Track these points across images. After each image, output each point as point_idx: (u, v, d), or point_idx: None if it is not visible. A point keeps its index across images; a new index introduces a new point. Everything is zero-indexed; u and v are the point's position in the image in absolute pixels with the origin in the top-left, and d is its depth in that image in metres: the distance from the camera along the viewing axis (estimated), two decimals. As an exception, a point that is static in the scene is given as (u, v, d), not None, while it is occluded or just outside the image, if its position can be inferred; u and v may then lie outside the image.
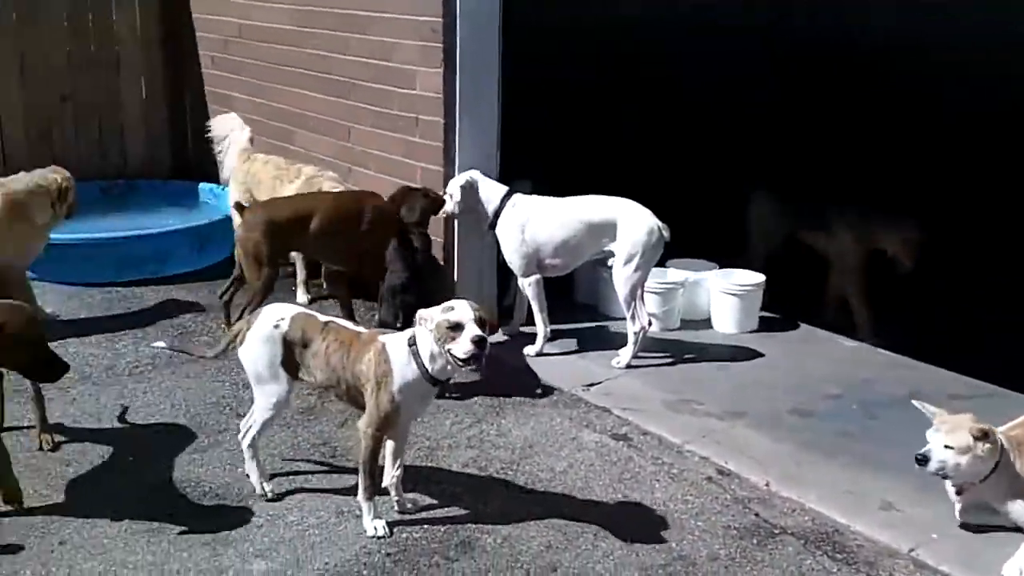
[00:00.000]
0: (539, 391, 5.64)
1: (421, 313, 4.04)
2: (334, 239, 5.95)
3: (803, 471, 4.83)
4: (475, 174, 6.01)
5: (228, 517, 4.33)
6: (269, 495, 4.45)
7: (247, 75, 8.03)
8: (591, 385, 5.72)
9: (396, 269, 5.65)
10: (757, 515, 4.46)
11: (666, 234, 5.78)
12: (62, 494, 4.49)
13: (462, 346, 3.88)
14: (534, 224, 5.89)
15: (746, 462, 4.89)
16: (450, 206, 5.97)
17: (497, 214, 5.95)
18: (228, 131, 7.25)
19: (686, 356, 6.19)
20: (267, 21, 7.66)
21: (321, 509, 4.40)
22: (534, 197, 6.00)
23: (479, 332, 3.89)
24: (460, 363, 3.92)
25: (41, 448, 4.84)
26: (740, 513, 4.48)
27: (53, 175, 6.40)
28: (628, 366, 5.93)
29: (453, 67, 6.03)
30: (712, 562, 4.10)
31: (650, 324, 5.97)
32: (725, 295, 6.60)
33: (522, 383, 5.72)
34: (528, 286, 5.98)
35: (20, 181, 6.32)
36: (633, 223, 5.77)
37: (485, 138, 6.23)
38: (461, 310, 3.93)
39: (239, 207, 6.06)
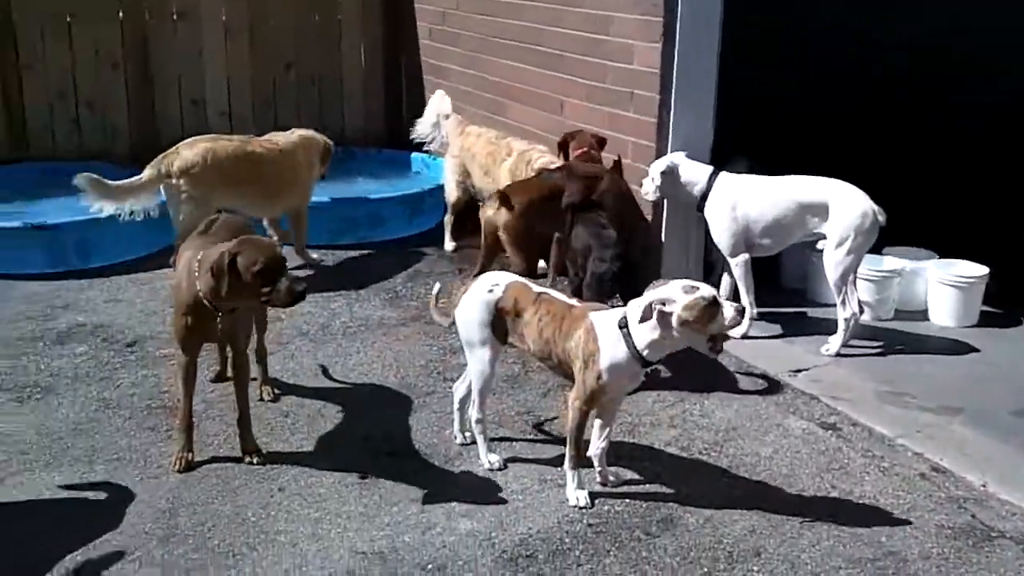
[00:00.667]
0: (744, 374, 5.56)
1: (658, 295, 3.90)
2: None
3: (1008, 471, 4.59)
4: (677, 157, 5.94)
5: (434, 477, 4.46)
6: (495, 466, 4.53)
7: (462, 47, 8.18)
8: (798, 371, 5.59)
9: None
10: (973, 516, 4.26)
11: (881, 218, 5.57)
12: (280, 443, 4.71)
13: (727, 319, 3.82)
14: (745, 203, 5.79)
15: (962, 460, 4.68)
16: (650, 189, 5.92)
17: (705, 195, 5.87)
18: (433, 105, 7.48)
19: (899, 347, 5.97)
20: (484, -7, 7.79)
21: (524, 476, 4.46)
22: (742, 176, 5.89)
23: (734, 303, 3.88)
24: (716, 345, 3.89)
25: (262, 399, 5.09)
26: (954, 512, 4.29)
27: (320, 136, 7.02)
28: (837, 354, 5.76)
29: (672, 42, 5.97)
30: (924, 560, 3.95)
31: (861, 311, 5.78)
32: (945, 286, 6.31)
33: (725, 365, 5.64)
34: (736, 266, 5.88)
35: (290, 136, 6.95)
36: (847, 205, 5.59)
37: (700, 115, 6.16)
38: (703, 287, 3.88)
39: (501, 196, 5.97)
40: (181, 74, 8.79)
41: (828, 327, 5.90)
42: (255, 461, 4.51)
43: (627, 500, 4.30)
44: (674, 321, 3.85)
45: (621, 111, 6.39)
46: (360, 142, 9.18)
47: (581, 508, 4.21)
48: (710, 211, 5.89)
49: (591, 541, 4.01)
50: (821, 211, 5.66)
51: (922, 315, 6.45)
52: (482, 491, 4.34)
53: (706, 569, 3.85)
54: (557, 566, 3.85)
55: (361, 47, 9.21)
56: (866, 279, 6.14)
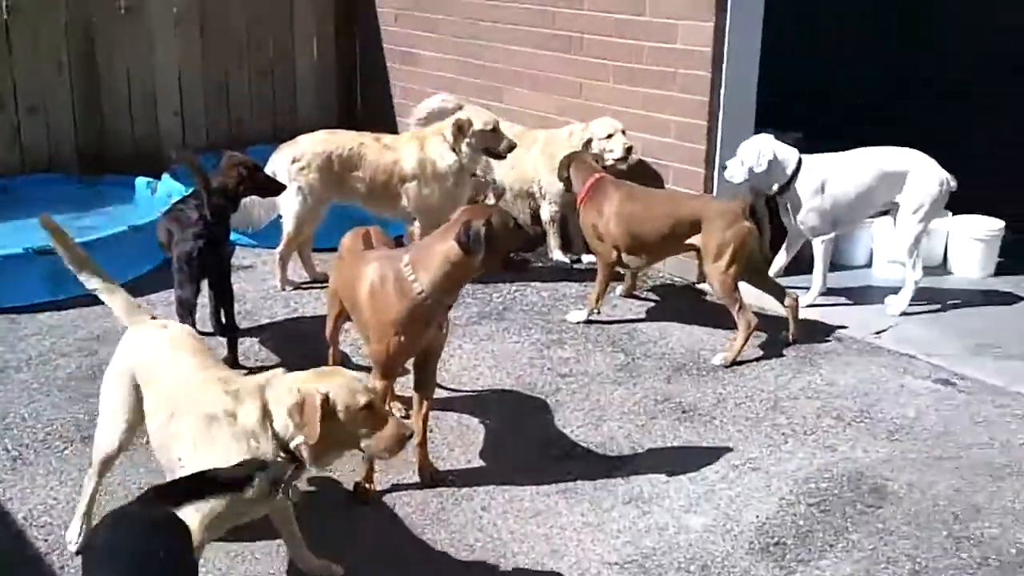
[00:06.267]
0: (836, 340, 5.76)
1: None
2: None
3: None
4: (769, 138, 5.94)
5: (620, 475, 4.42)
6: None
7: (442, 32, 8.00)
8: (879, 332, 5.83)
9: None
10: None
11: (953, 184, 5.86)
12: (442, 460, 4.54)
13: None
14: (834, 181, 5.91)
15: (1085, 401, 5.03)
16: (740, 173, 5.92)
17: (793, 176, 5.91)
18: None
19: (951, 302, 6.31)
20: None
21: (714, 465, 4.50)
22: (821, 155, 6.00)
23: None
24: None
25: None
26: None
27: None
28: (902, 313, 6.04)
29: (724, 20, 6.06)
30: (1122, 499, 4.24)
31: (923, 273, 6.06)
32: (970, 240, 6.71)
33: (813, 332, 5.83)
34: (822, 245, 6.04)
35: None
36: (925, 174, 5.85)
37: (746, 92, 6.29)
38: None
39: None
40: (130, 69, 8.20)
41: (863, 288, 6.29)
42: (450, 479, 4.35)
43: (826, 474, 4.41)
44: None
45: (662, 91, 6.43)
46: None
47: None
48: (801, 192, 5.92)
49: (824, 520, 4.09)
50: (900, 180, 5.89)
51: (941, 269, 6.82)
52: (684, 485, 4.35)
53: (945, 533, 4.01)
54: (812, 549, 3.92)
55: (315, 38, 8.84)
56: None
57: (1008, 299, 6.43)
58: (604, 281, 5.91)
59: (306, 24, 8.80)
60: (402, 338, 4.04)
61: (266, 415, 3.17)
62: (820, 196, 5.93)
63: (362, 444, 3.25)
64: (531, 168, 6.77)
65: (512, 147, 6.17)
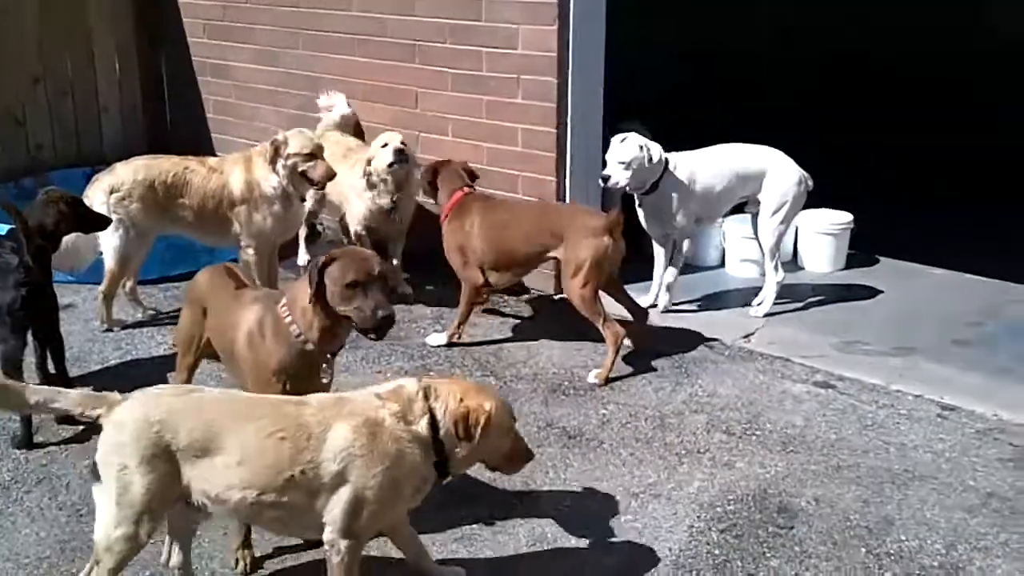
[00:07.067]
0: (707, 347, 5.59)
1: None
2: None
3: (1015, 397, 4.99)
4: (638, 138, 5.61)
5: (523, 517, 4.06)
6: None
7: (257, 43, 7.46)
8: (748, 336, 5.70)
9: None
10: (1013, 445, 4.58)
11: (810, 183, 5.78)
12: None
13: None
14: (701, 178, 5.72)
15: (961, 396, 4.99)
16: (623, 177, 5.56)
17: (661, 175, 5.66)
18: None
19: (809, 298, 6.27)
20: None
21: (615, 495, 4.20)
22: (685, 152, 5.79)
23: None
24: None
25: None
26: (993, 444, 4.58)
27: None
28: (766, 314, 5.94)
29: (567, 24, 5.80)
30: (1019, 495, 4.18)
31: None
32: (819, 235, 6.70)
33: (679, 341, 5.64)
34: (689, 242, 5.87)
35: None
36: (783, 172, 5.75)
37: (592, 92, 6.06)
38: None
39: None
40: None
41: (713, 288, 6.16)
42: None
43: (728, 496, 4.18)
44: None
45: (505, 98, 6.12)
46: (120, 157, 8.07)
47: None
48: (669, 190, 5.69)
49: (740, 548, 3.86)
50: (758, 178, 5.77)
51: (792, 265, 6.77)
52: (584, 521, 4.03)
53: (864, 550, 3.84)
54: (731, 579, 3.70)
55: (115, 54, 8.08)
56: (750, 238, 6.32)
57: (862, 292, 6.43)
58: (468, 305, 5.55)
59: (105, 39, 8.03)
60: (287, 388, 3.57)
61: (432, 422, 3.20)
62: (690, 192, 5.73)
63: (495, 463, 3.41)
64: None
65: (331, 176, 5.60)
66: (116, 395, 3.18)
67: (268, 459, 3.07)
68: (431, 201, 5.85)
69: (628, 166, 5.51)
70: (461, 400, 3.19)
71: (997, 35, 9.95)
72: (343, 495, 3.08)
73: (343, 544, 3.12)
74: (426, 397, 3.21)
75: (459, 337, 5.62)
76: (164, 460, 3.06)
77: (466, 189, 5.57)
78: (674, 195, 5.72)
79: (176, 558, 3.48)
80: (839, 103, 10.12)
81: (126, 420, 3.08)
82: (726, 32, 10.80)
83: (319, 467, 3.06)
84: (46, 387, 3.25)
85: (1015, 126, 8.67)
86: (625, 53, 6.94)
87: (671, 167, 5.67)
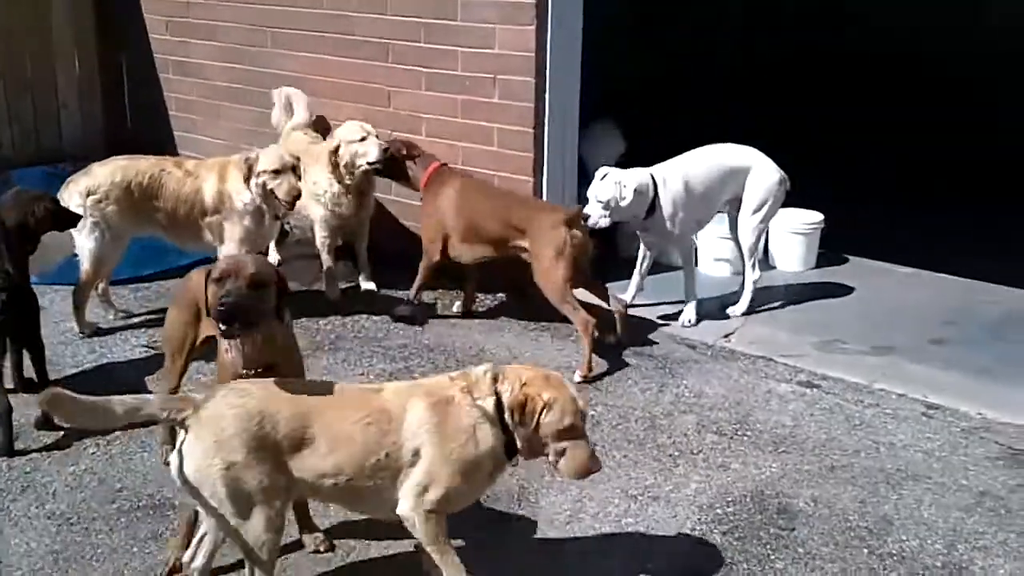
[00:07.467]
0: (690, 347, 5.59)
1: None
2: None
3: (997, 396, 5.05)
4: (618, 170, 5.51)
5: (524, 520, 4.04)
6: None
7: (221, 40, 7.30)
8: (728, 336, 5.71)
9: None
10: (999, 444, 4.64)
11: (788, 184, 5.80)
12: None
13: None
14: (695, 182, 5.67)
15: (943, 395, 5.04)
16: (606, 219, 5.45)
17: (656, 196, 5.56)
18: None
19: (785, 298, 6.31)
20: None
21: (613, 498, 4.17)
22: (668, 162, 5.72)
23: None
24: None
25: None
26: (980, 443, 4.64)
27: None
28: (744, 313, 5.95)
29: (544, 24, 5.75)
30: (1011, 494, 4.24)
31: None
32: (790, 234, 6.73)
33: (661, 342, 5.64)
34: (691, 248, 5.94)
35: None
36: (764, 171, 5.76)
37: (569, 94, 6.02)
38: None
39: None
40: None
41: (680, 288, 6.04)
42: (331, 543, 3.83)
43: (727, 498, 4.18)
44: None
45: (481, 98, 6.06)
46: (79, 155, 7.88)
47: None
48: (667, 206, 5.59)
49: (744, 550, 3.85)
50: (741, 177, 5.77)
51: (763, 264, 6.74)
52: (585, 524, 4.00)
53: (866, 551, 3.86)
54: (740, 584, 3.69)
55: (75, 51, 7.86)
56: (725, 238, 6.35)
57: (834, 290, 6.48)
58: (425, 275, 5.80)
59: (65, 36, 7.82)
60: None
61: (499, 404, 3.22)
62: (688, 201, 5.68)
63: (551, 458, 3.25)
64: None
65: (296, 194, 5.46)
66: (196, 395, 3.20)
67: (357, 445, 3.13)
68: (391, 197, 5.98)
69: (606, 205, 5.42)
70: (524, 386, 3.21)
71: (997, 35, 10.03)
72: (420, 468, 3.15)
73: (418, 519, 3.16)
74: (495, 380, 3.25)
75: (419, 302, 5.88)
76: (270, 451, 3.07)
77: (439, 162, 5.80)
78: (673, 209, 5.63)
79: (200, 560, 3.41)
80: (839, 103, 10.15)
81: (224, 414, 3.05)
82: (717, 28, 10.81)
83: (401, 448, 3.15)
84: (129, 397, 3.12)
85: (1015, 126, 8.74)
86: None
87: (660, 184, 5.58)
